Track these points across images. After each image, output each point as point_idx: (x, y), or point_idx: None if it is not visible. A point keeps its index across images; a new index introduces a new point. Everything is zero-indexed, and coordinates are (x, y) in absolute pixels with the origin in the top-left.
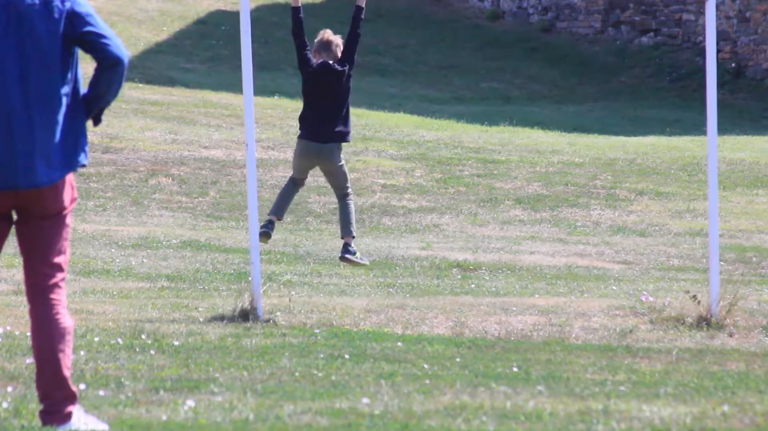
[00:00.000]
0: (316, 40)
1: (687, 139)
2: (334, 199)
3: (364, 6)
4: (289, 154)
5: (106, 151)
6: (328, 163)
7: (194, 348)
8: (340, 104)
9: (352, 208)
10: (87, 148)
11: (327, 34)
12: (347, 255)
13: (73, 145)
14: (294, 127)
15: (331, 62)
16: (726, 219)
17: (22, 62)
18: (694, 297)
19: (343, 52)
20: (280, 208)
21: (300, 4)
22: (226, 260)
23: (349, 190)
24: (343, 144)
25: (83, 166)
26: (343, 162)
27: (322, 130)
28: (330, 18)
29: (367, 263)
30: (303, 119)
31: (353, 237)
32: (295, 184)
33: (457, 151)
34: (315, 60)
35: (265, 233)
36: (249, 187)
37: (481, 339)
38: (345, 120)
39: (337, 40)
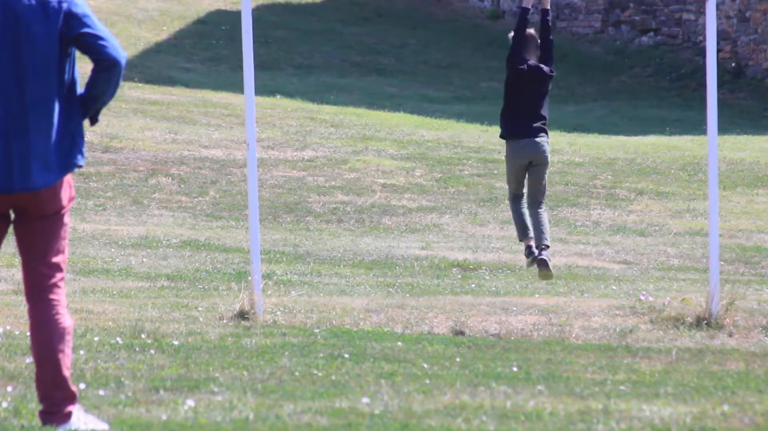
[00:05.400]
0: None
1: (687, 139)
2: (334, 198)
3: (549, 8)
4: (289, 154)
5: (106, 150)
6: (542, 156)
7: (194, 348)
8: (543, 102)
9: (548, 217)
10: (84, 149)
11: (530, 32)
12: (547, 261)
13: (70, 147)
14: (294, 126)
15: (541, 65)
16: (726, 219)
17: (18, 64)
18: (684, 299)
19: (543, 56)
20: (524, 229)
21: (530, 5)
22: (226, 260)
23: (544, 198)
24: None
25: (80, 167)
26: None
27: (532, 125)
28: (330, 18)
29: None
30: (508, 117)
31: (548, 246)
32: (517, 198)
33: (457, 151)
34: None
35: (534, 259)
36: (249, 186)
37: (481, 339)
38: (545, 116)
39: (536, 36)
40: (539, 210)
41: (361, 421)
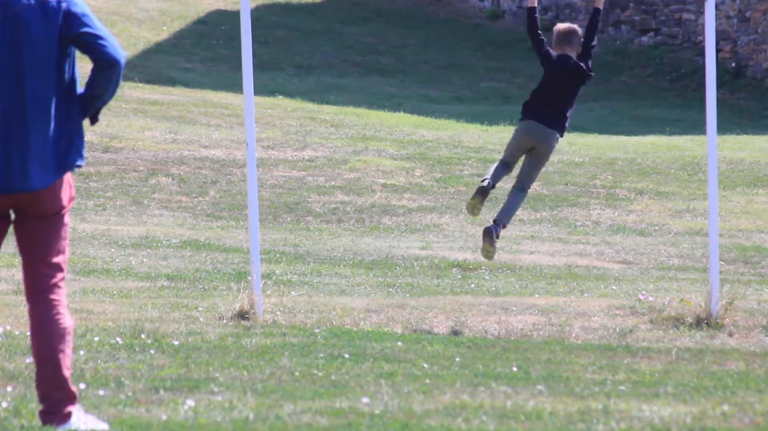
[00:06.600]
0: (555, 32)
1: (687, 139)
2: (334, 198)
3: (602, 8)
4: (289, 154)
5: (106, 150)
6: (545, 147)
7: (194, 348)
8: (570, 99)
9: (521, 203)
10: (83, 150)
11: (566, 26)
12: (493, 233)
13: (69, 147)
14: (294, 126)
15: (574, 58)
16: (726, 219)
17: (17, 64)
18: (683, 299)
19: (582, 53)
20: (493, 177)
21: (536, 4)
22: (226, 260)
23: (530, 186)
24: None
25: (79, 167)
26: (551, 155)
27: (551, 116)
28: (330, 18)
29: (494, 252)
30: (532, 103)
31: (505, 226)
32: (506, 165)
33: (457, 151)
34: (555, 52)
35: (482, 192)
36: (249, 186)
37: (481, 339)
38: (567, 117)
39: (579, 32)
40: (519, 192)
41: (361, 421)
